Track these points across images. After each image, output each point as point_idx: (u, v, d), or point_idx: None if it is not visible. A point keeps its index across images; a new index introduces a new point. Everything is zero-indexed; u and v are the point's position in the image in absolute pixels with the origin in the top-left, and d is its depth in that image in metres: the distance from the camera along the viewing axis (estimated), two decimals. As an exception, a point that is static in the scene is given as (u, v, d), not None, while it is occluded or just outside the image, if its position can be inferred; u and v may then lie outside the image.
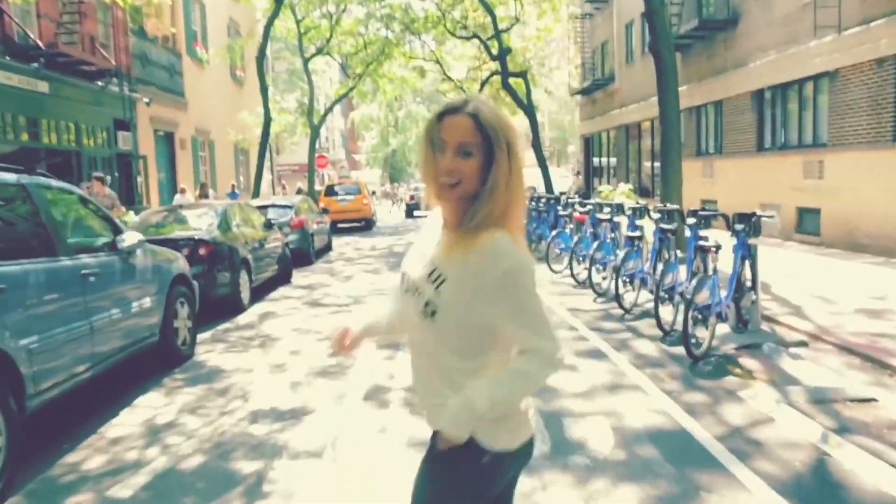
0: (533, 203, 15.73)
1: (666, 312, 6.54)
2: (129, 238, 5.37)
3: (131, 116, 17.77)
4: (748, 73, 14.73)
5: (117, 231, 5.45)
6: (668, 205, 8.84)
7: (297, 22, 24.89)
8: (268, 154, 36.33)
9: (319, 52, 27.52)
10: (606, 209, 9.87)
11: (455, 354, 1.55)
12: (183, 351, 6.35)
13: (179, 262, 6.54)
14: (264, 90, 19.92)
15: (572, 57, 31.09)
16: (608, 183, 27.02)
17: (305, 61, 27.45)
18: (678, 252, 7.35)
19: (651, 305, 7.74)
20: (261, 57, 19.51)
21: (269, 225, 10.97)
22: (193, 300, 6.72)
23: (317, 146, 39.22)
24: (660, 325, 6.44)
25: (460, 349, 1.54)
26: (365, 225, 23.23)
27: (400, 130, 55.22)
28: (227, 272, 8.51)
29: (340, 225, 22.86)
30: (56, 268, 4.35)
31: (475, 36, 23.24)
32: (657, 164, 20.93)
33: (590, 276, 8.54)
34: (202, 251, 8.12)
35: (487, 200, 1.50)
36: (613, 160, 25.99)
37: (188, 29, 22.90)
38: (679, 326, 5.93)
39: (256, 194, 19.98)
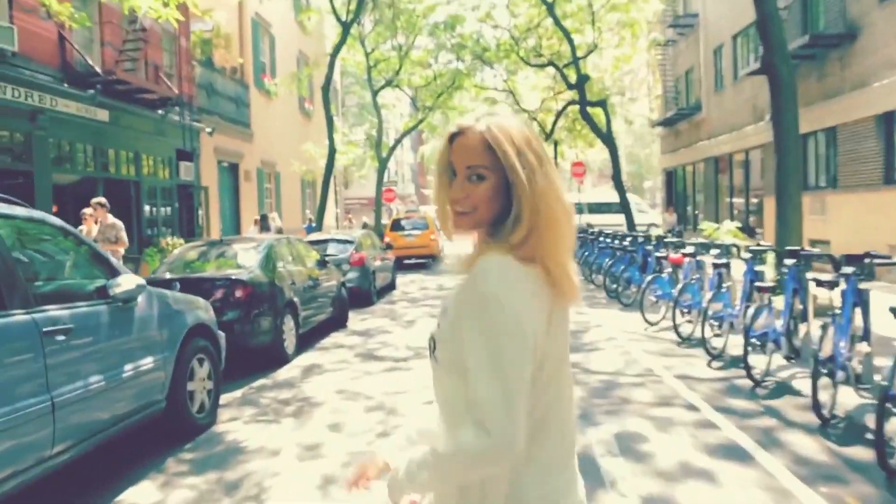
0: (605, 240, 14.18)
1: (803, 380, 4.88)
2: (126, 282, 4.21)
3: (194, 147, 17.29)
4: (871, 94, 12.79)
5: (113, 273, 4.30)
6: (791, 247, 7.24)
7: (367, 54, 24.35)
8: (335, 187, 36.12)
9: (388, 84, 26.93)
10: (714, 251, 8.27)
11: (449, 401, 1.30)
12: (198, 420, 5.13)
13: (200, 311, 5.37)
14: (329, 119, 19.18)
15: (652, 86, 29.42)
16: (692, 220, 24.99)
17: (374, 93, 26.89)
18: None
19: (787, 374, 6.09)
20: (326, 85, 18.83)
21: (323, 263, 9.81)
22: (217, 356, 5.52)
23: (385, 180, 38.73)
24: (817, 408, 4.79)
25: (455, 394, 1.25)
26: (432, 262, 22.02)
27: (469, 165, 54.26)
28: (268, 317, 7.34)
29: (406, 262, 21.74)
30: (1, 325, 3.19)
31: (551, 63, 21.99)
32: (753, 199, 18.93)
33: (703, 334, 6.90)
34: (239, 293, 6.98)
35: (509, 228, 1.25)
36: (699, 196, 23.99)
37: (256, 61, 22.64)
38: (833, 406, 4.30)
39: (319, 228, 19.11)
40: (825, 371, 4.91)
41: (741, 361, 6.01)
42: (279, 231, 18.72)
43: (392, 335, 9.35)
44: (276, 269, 7.92)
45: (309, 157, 22.85)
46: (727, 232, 10.26)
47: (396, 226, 21.98)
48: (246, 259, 7.72)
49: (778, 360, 6.32)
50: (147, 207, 15.60)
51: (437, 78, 26.49)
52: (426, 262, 22.06)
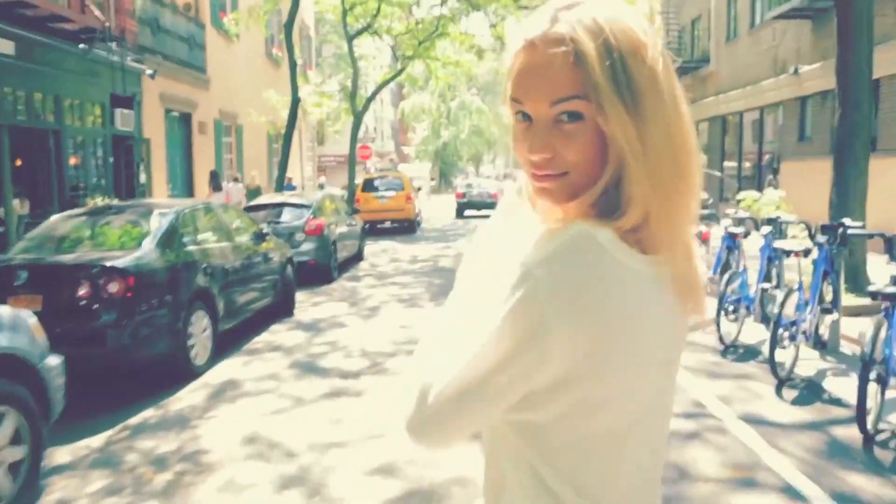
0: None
1: None
2: None
3: (133, 92, 14.85)
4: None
5: None
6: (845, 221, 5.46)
7: (341, -3, 21.79)
8: (309, 144, 33.60)
9: (366, 29, 24.37)
10: (765, 227, 6.35)
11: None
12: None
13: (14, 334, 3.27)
14: (293, 64, 16.79)
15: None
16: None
17: (350, 39, 24.34)
18: None
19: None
20: (290, 23, 16.39)
21: (260, 236, 7.68)
22: (35, 406, 3.45)
23: (361, 136, 36.19)
24: None
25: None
26: (407, 227, 19.87)
27: (452, 122, 51.78)
28: (163, 318, 5.25)
29: (380, 226, 19.63)
30: None
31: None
32: (766, 164, 16.94)
33: (772, 351, 4.90)
34: (114, 287, 4.86)
35: (619, 204, 0.80)
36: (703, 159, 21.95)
37: (214, -4, 19.97)
38: None
39: (279, 189, 16.88)
40: None
41: (818, 387, 4.10)
42: (255, 193, 16.42)
43: (346, 330, 7.31)
44: (181, 247, 5.79)
45: (271, 108, 20.35)
46: (770, 203, 8.26)
47: (368, 186, 19.77)
48: (136, 235, 5.57)
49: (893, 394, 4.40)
50: (71, 162, 13.26)
51: (418, 24, 24.05)
52: (401, 226, 19.92)
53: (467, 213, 26.03)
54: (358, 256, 13.59)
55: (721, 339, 6.10)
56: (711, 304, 7.19)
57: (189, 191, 18.07)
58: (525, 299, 0.75)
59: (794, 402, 4.73)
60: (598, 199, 0.80)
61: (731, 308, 6.10)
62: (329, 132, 34.35)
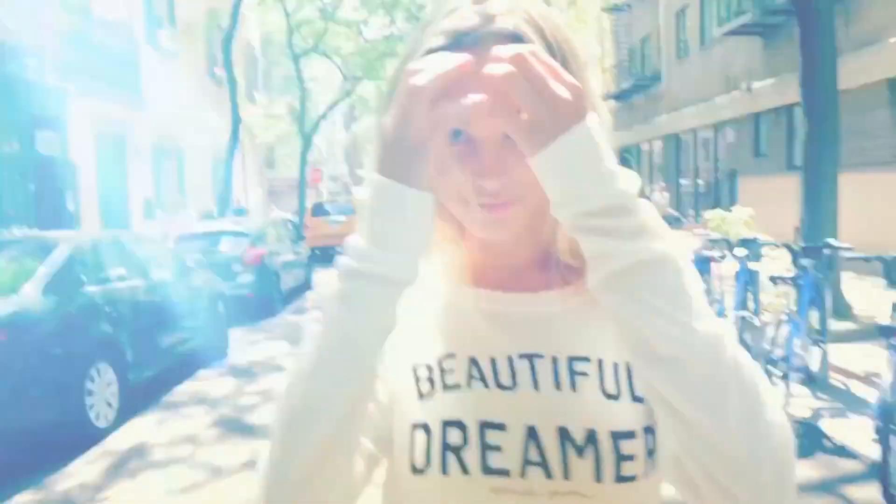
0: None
1: None
2: None
3: (57, 113, 13.79)
4: (880, 53, 10.60)
5: None
6: (832, 242, 5.05)
7: (287, 15, 21.10)
8: (258, 167, 32.57)
9: (313, 49, 23.74)
10: (739, 251, 5.83)
11: None
12: None
13: None
14: (232, 83, 15.92)
15: (600, 57, 27.09)
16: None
17: (296, 59, 23.65)
18: None
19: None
20: (227, 40, 15.60)
21: (185, 270, 6.82)
22: None
23: (313, 159, 35.23)
24: None
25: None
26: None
27: (406, 143, 51.17)
28: (49, 379, 4.37)
29: (332, 253, 18.78)
30: None
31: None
32: (723, 181, 16.77)
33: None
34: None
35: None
36: (658, 177, 21.86)
37: (149, 14, 19.01)
38: None
39: (222, 213, 15.92)
40: None
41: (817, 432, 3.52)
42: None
43: (283, 375, 6.50)
44: (78, 290, 4.93)
45: (212, 129, 19.38)
46: (739, 222, 7.80)
47: (318, 210, 18.99)
48: (18, 277, 4.70)
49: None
50: (-16, 190, 12.12)
51: (367, 43, 23.55)
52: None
53: None
54: (305, 285, 12.76)
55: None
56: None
57: (123, 219, 16.94)
58: None
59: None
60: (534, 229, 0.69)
61: None
62: (279, 156, 33.29)
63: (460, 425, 0.67)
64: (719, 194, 16.72)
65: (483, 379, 0.69)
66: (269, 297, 9.99)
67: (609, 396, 0.67)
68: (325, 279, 14.26)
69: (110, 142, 16.85)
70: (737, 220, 7.90)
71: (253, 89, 30.24)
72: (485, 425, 0.67)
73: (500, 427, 0.67)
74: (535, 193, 0.62)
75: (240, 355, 7.46)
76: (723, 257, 6.03)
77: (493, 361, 0.70)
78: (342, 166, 57.26)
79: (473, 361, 0.70)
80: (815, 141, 7.15)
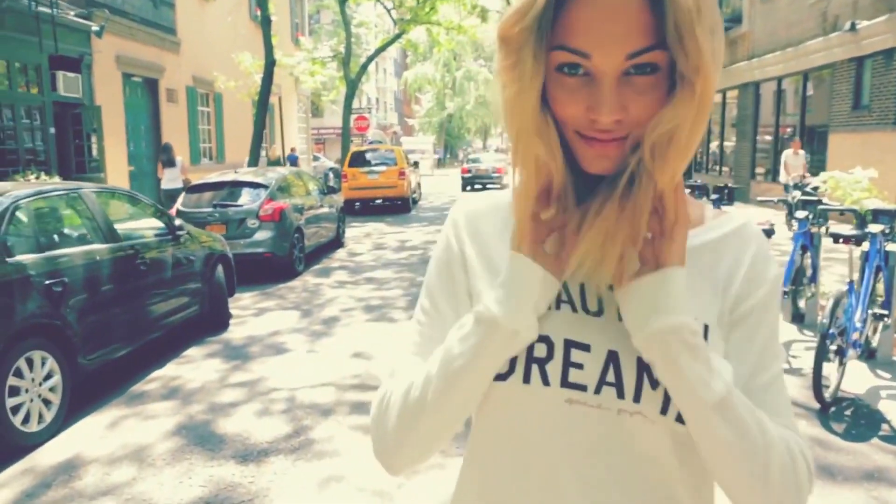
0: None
1: None
2: None
3: (81, 53, 12.85)
4: None
5: None
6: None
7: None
8: (303, 115, 31.49)
9: (359, -12, 22.20)
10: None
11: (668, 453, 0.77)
12: None
13: None
14: (266, 20, 14.62)
15: None
16: (714, 166, 20.82)
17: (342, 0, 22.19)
18: None
19: None
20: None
21: (172, 230, 5.73)
22: None
23: (360, 106, 33.98)
24: None
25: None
26: (401, 205, 17.83)
27: (457, 93, 49.34)
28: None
29: (372, 204, 17.69)
30: None
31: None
32: (809, 137, 14.75)
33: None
34: None
35: (682, 151, 0.67)
36: (731, 134, 19.79)
37: (184, -55, 17.80)
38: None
39: (253, 163, 14.88)
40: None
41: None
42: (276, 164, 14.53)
43: (281, 360, 5.39)
44: (1, 259, 3.85)
45: (244, 71, 18.16)
46: (856, 186, 6.21)
47: (357, 160, 17.70)
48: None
49: None
50: (-2, 133, 11.34)
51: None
52: (394, 204, 17.91)
53: (468, 188, 25.95)
54: (336, 242, 11.69)
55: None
56: (789, 329, 5.40)
57: (155, 166, 16.14)
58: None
59: (847, 435, 3.76)
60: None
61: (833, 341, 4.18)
62: (324, 102, 32.09)
63: (547, 341, 0.73)
64: (808, 151, 14.74)
65: (571, 303, 0.74)
66: (288, 257, 8.92)
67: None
68: (358, 234, 13.16)
69: (140, 85, 15.95)
70: (855, 185, 6.29)
71: (297, 33, 28.94)
72: (570, 344, 0.73)
73: (585, 348, 0.73)
74: (640, 130, 0.66)
75: (240, 328, 6.41)
76: (862, 236, 4.54)
77: (581, 287, 0.74)
78: (393, 115, 55.85)
79: (563, 285, 0.74)
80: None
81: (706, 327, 0.72)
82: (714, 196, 6.60)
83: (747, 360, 0.73)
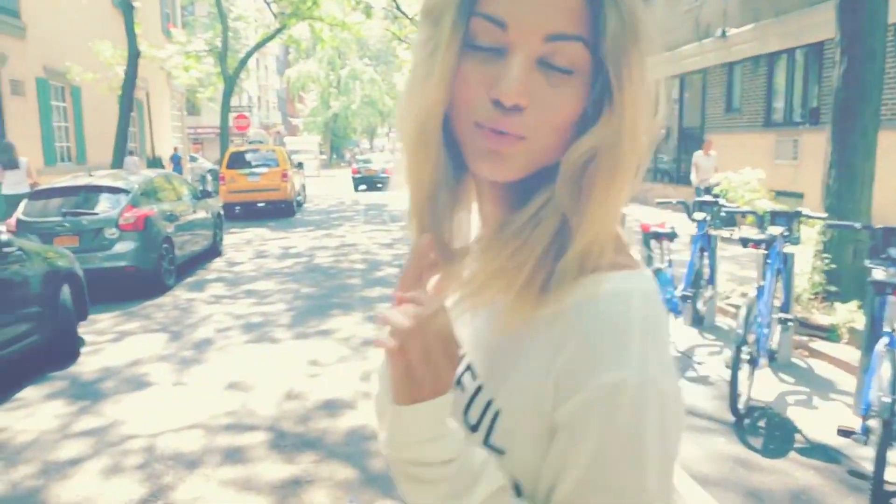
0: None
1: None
2: None
3: None
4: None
5: None
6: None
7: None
8: (177, 113, 29.43)
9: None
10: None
11: None
12: None
13: None
14: (127, 6, 13.24)
15: None
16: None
17: (215, -11, 20.80)
18: None
19: None
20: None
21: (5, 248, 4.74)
22: None
23: (240, 104, 32.34)
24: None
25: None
26: (284, 209, 16.83)
27: (342, 92, 48.25)
28: None
29: (253, 209, 16.60)
30: None
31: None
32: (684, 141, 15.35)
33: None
34: None
35: (603, 184, 0.60)
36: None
37: (29, -80, 15.87)
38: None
39: (117, 164, 13.45)
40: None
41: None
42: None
43: (138, 399, 4.58)
44: None
45: (104, 63, 16.45)
46: (747, 188, 6.22)
47: (236, 161, 16.56)
48: None
49: None
50: None
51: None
52: (277, 208, 16.89)
53: (361, 188, 26.02)
54: (213, 251, 10.70)
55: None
56: (690, 333, 5.30)
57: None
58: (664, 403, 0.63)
59: (766, 451, 3.63)
60: (538, 179, 0.62)
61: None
62: (200, 100, 30.15)
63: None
64: (680, 153, 15.32)
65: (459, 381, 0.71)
66: (154, 271, 7.95)
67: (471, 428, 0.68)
68: (237, 241, 12.21)
69: (-23, 74, 14.03)
70: (745, 186, 6.32)
71: (168, 24, 26.94)
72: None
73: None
74: (543, 139, 0.60)
75: (93, 357, 5.49)
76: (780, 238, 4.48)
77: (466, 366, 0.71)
78: (276, 114, 53.76)
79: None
80: (854, 85, 5.56)
81: (497, 413, 0.65)
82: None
83: (561, 486, 0.60)
